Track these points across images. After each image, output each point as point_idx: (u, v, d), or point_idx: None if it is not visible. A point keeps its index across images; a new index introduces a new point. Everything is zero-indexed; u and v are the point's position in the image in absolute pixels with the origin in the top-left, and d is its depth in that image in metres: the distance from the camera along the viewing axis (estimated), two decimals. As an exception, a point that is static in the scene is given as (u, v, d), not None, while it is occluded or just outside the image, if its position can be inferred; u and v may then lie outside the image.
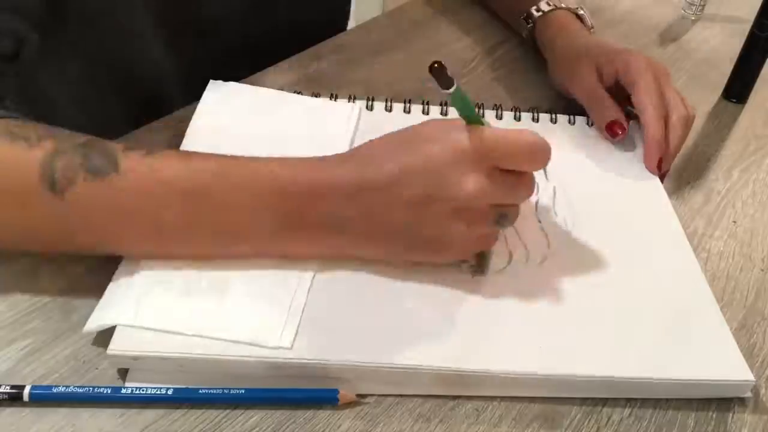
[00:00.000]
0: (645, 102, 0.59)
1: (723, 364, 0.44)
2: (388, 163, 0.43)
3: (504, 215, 0.45)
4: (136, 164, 0.43)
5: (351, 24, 0.84)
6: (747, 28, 0.69)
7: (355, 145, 0.46)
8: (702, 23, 0.86)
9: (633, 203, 0.56)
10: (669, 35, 0.83)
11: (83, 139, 0.44)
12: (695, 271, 0.50)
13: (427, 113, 0.63)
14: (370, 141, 0.46)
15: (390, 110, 0.63)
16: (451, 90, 0.42)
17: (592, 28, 0.71)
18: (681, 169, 0.62)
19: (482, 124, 0.44)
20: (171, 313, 0.43)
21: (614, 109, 0.61)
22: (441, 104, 0.64)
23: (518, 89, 0.70)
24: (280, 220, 0.44)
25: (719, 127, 0.68)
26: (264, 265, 0.46)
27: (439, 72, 0.41)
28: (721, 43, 0.82)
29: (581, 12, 0.71)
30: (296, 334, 0.42)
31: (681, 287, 0.49)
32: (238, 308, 0.43)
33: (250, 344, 0.41)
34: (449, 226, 0.44)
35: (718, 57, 0.79)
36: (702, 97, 0.72)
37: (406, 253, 0.46)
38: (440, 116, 0.63)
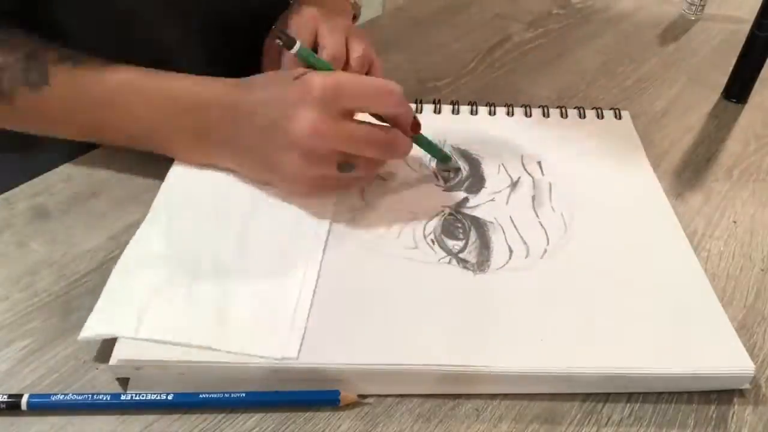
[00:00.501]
0: (327, 40, 0.59)
1: (724, 354, 0.44)
2: (257, 92, 0.50)
3: (348, 164, 0.49)
4: (62, 76, 0.51)
5: (351, 24, 0.84)
6: (747, 28, 0.69)
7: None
8: (702, 23, 0.86)
9: (628, 196, 0.56)
10: (669, 35, 0.83)
11: (25, 51, 0.52)
12: (693, 264, 0.50)
13: (420, 111, 0.63)
14: (263, 74, 0.53)
15: None
16: (295, 50, 0.49)
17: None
18: (681, 169, 0.62)
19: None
20: (174, 325, 0.42)
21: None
22: (434, 102, 0.64)
23: (518, 89, 0.70)
24: (172, 126, 0.52)
25: (719, 127, 0.68)
26: (266, 270, 0.46)
27: (281, 34, 0.49)
28: (721, 43, 0.82)
29: None
30: (301, 344, 0.42)
31: (680, 280, 0.49)
32: (241, 320, 0.43)
33: (256, 356, 0.41)
34: (286, 157, 0.48)
35: (718, 57, 0.79)
36: (702, 97, 0.72)
37: (259, 172, 0.52)
38: (433, 113, 0.63)
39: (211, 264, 0.46)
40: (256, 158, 0.51)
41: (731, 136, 0.67)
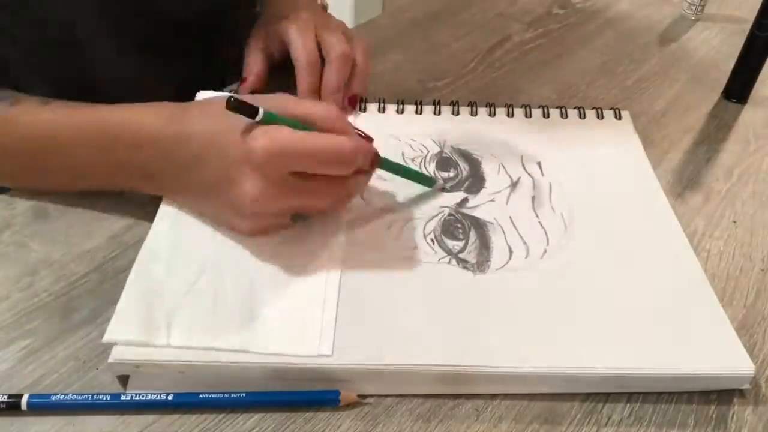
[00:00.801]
0: (296, 45, 0.60)
1: (724, 355, 0.44)
2: (198, 139, 0.46)
3: (300, 216, 0.49)
4: (1, 115, 0.49)
5: (351, 24, 0.84)
6: (747, 28, 0.69)
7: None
8: (702, 23, 0.86)
9: (628, 196, 0.56)
10: (669, 35, 0.83)
11: None
12: (693, 264, 0.50)
13: (420, 113, 0.63)
14: (204, 102, 0.49)
15: (383, 111, 0.63)
16: (260, 117, 0.44)
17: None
18: (681, 169, 0.62)
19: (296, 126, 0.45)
20: (203, 328, 0.42)
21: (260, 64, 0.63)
22: (433, 103, 0.64)
23: (518, 89, 0.70)
24: (112, 164, 0.49)
25: (719, 127, 0.68)
26: (290, 269, 0.46)
27: (238, 107, 0.43)
28: (721, 43, 0.82)
29: None
30: (333, 341, 0.42)
31: (679, 281, 0.49)
32: (271, 320, 0.43)
33: (293, 356, 0.41)
34: (231, 216, 0.47)
35: (718, 57, 0.79)
36: (702, 97, 0.72)
37: (214, 217, 0.49)
38: (433, 115, 0.63)
39: (231, 264, 0.46)
40: (201, 206, 0.49)
41: (731, 136, 0.67)
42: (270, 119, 0.44)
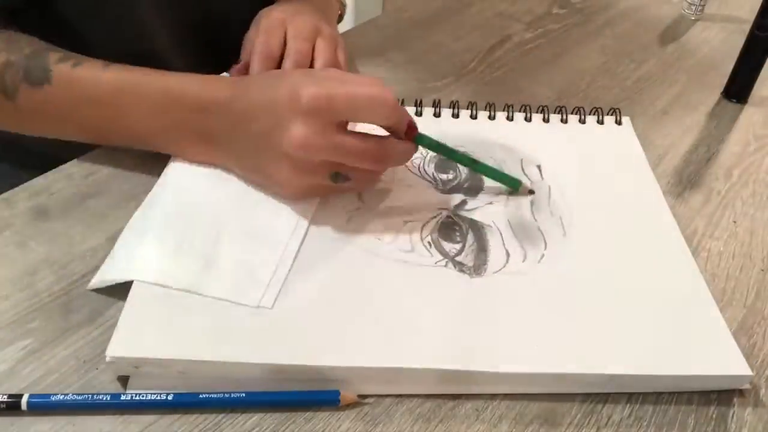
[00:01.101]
0: (253, 44, 0.59)
1: (720, 358, 0.44)
2: (253, 96, 0.49)
3: (340, 175, 0.49)
4: (64, 75, 0.51)
5: (351, 24, 0.84)
6: (747, 28, 0.69)
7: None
8: (702, 23, 0.86)
9: (627, 202, 0.56)
10: (669, 35, 0.83)
11: (28, 50, 0.52)
12: (692, 269, 0.50)
13: (420, 114, 0.63)
14: (261, 75, 0.55)
15: None
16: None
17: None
18: (681, 169, 0.62)
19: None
20: (161, 268, 0.45)
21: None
22: (433, 104, 0.64)
23: (518, 89, 0.70)
24: (173, 126, 0.51)
25: (719, 127, 0.68)
26: (256, 228, 0.49)
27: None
28: (721, 43, 0.82)
29: None
30: (277, 296, 0.44)
31: (678, 286, 0.49)
32: (225, 269, 0.46)
33: (232, 302, 0.44)
34: (278, 166, 0.48)
35: (718, 57, 0.79)
36: (702, 97, 0.72)
37: (253, 175, 0.52)
38: (432, 117, 0.63)
39: (208, 217, 0.49)
40: (250, 163, 0.51)
41: (731, 136, 0.67)
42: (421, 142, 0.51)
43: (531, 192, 0.55)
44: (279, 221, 0.50)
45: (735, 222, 0.57)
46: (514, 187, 0.55)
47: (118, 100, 0.51)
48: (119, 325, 0.42)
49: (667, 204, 0.56)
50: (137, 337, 0.41)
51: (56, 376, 0.41)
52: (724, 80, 0.72)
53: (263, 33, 0.60)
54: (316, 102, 0.46)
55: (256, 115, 0.48)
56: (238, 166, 0.52)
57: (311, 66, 0.59)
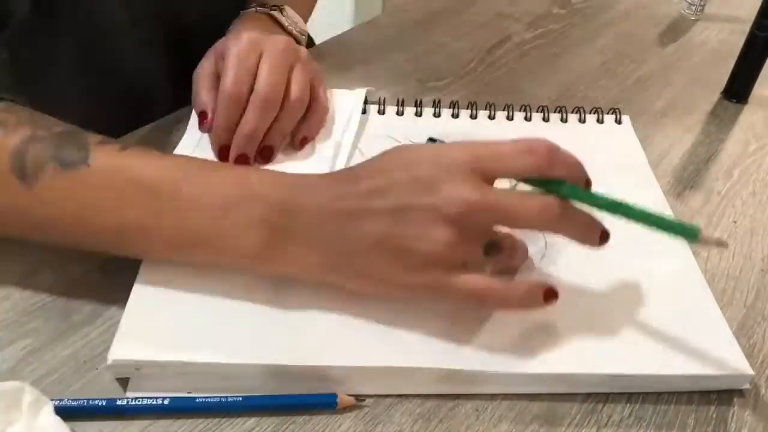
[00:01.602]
0: (224, 74, 0.54)
1: (721, 358, 0.44)
2: (369, 179, 0.41)
3: (493, 244, 0.42)
4: (108, 159, 0.42)
5: (351, 24, 0.84)
6: (747, 28, 0.69)
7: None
8: (702, 23, 0.86)
9: (627, 200, 0.56)
10: (669, 35, 0.83)
11: (61, 129, 0.43)
12: (692, 268, 0.50)
13: (420, 115, 0.63)
14: (356, 165, 0.44)
15: (383, 113, 0.63)
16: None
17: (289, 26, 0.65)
18: (681, 169, 0.62)
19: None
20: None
21: (208, 97, 0.55)
22: (433, 104, 0.64)
23: (518, 89, 0.70)
24: (249, 228, 0.41)
25: (719, 127, 0.68)
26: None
27: None
28: (721, 43, 0.83)
29: (273, 12, 0.64)
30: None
31: (678, 283, 0.49)
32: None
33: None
34: (431, 229, 0.39)
35: (718, 57, 0.79)
36: (702, 97, 0.72)
37: (388, 276, 0.41)
38: (432, 117, 0.63)
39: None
40: (344, 260, 0.42)
41: (731, 136, 0.67)
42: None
43: (721, 244, 0.44)
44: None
45: (735, 222, 0.57)
46: (688, 236, 0.42)
47: (184, 190, 0.42)
48: (120, 328, 0.42)
49: (668, 204, 0.56)
50: (138, 339, 0.41)
51: (56, 376, 0.41)
52: (724, 80, 0.73)
53: (231, 70, 0.53)
54: (469, 157, 0.40)
55: (385, 190, 0.40)
56: (327, 266, 0.42)
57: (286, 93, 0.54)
